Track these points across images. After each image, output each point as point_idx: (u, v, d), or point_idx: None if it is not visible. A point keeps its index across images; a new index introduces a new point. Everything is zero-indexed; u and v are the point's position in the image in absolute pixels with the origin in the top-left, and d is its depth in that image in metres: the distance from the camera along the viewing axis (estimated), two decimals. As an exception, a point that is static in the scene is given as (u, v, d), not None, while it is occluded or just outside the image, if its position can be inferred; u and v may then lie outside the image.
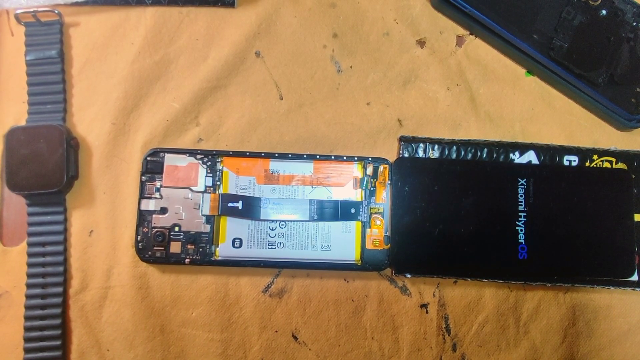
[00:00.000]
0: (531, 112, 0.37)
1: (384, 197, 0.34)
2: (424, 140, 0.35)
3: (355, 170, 0.35)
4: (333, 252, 0.34)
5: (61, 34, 0.36)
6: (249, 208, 0.34)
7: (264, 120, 0.36)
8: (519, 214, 0.33)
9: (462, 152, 0.35)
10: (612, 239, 0.33)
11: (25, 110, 0.35)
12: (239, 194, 0.34)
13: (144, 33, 0.36)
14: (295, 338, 0.34)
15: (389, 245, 0.34)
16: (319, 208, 0.34)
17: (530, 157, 0.35)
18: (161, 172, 0.34)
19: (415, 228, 0.34)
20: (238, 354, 0.34)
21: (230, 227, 0.34)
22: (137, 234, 0.33)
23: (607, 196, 0.34)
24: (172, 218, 0.34)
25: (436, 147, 0.35)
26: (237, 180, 0.34)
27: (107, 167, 0.35)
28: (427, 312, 0.35)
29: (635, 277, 0.33)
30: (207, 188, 0.34)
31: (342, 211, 0.34)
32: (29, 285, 0.33)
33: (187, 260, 0.33)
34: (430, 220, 0.34)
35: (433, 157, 0.35)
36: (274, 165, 0.35)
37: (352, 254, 0.34)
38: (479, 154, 0.35)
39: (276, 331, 0.34)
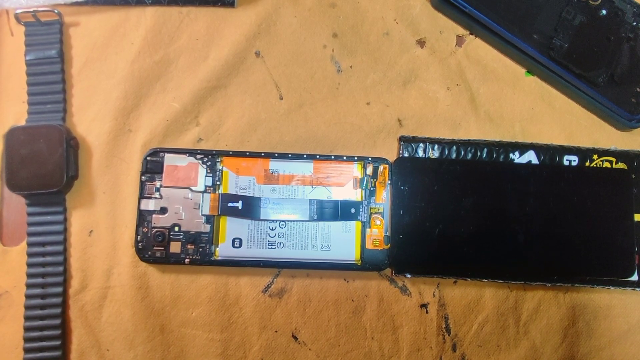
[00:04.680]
0: (531, 112, 0.37)
1: (384, 197, 0.34)
2: (424, 140, 0.35)
3: (355, 170, 0.35)
4: (333, 252, 0.34)
5: (61, 34, 0.36)
6: (248, 208, 0.34)
7: (264, 120, 0.36)
8: (519, 214, 0.33)
9: (462, 152, 0.35)
10: (612, 239, 0.33)
11: (25, 110, 0.35)
12: (239, 194, 0.34)
13: (144, 33, 0.36)
14: (295, 338, 0.34)
15: (389, 245, 0.34)
16: (319, 208, 0.34)
17: (530, 157, 0.35)
18: (161, 172, 0.34)
19: (415, 228, 0.34)
20: (238, 354, 0.34)
21: (230, 227, 0.34)
22: (137, 234, 0.33)
23: (607, 196, 0.34)
24: (172, 218, 0.34)
25: (436, 147, 0.35)
26: (237, 180, 0.34)
27: (107, 167, 0.35)
28: (427, 312, 0.35)
29: (635, 277, 0.33)
30: (207, 188, 0.34)
31: (342, 211, 0.34)
32: (28, 285, 0.33)
33: (187, 260, 0.33)
34: (430, 220, 0.34)
35: (433, 157, 0.35)
36: (273, 165, 0.34)
37: (352, 254, 0.34)
38: (479, 154, 0.35)
39: (276, 331, 0.34)
